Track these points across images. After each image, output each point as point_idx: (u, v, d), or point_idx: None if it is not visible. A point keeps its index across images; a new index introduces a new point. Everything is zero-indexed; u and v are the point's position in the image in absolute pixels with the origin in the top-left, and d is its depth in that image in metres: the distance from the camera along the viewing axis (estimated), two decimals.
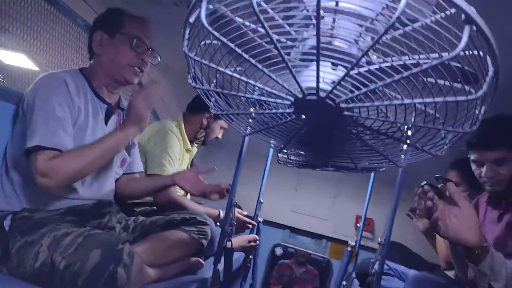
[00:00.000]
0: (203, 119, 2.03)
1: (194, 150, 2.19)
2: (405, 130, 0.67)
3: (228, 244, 1.48)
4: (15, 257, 1.03)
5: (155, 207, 1.76)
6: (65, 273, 0.93)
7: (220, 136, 2.10)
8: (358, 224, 2.31)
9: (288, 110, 0.67)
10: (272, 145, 0.94)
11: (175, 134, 1.90)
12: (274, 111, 0.68)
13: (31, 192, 1.17)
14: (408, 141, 0.65)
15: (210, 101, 0.74)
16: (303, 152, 0.95)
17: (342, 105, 0.61)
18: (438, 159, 0.77)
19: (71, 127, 1.16)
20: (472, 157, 1.41)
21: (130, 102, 1.24)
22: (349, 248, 2.20)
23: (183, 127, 2.02)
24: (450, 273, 1.85)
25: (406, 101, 0.56)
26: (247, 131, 0.89)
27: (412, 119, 0.67)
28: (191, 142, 2.06)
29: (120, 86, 1.35)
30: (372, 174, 2.23)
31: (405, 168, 1.41)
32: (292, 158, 1.65)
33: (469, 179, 1.74)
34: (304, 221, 2.75)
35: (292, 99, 0.63)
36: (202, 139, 2.06)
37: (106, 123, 1.32)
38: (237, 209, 1.82)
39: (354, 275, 2.09)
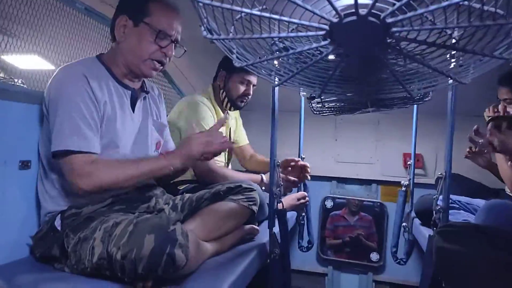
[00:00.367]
0: (219, 81, 1.94)
1: (232, 121, 2.12)
2: (468, 36, 0.55)
3: (279, 205, 1.44)
4: (73, 255, 1.03)
5: (197, 183, 1.73)
6: (123, 262, 0.91)
7: (249, 91, 1.94)
8: (408, 163, 2.19)
9: (323, 43, 0.57)
10: (308, 93, 0.84)
11: (207, 105, 1.83)
12: (306, 47, 0.59)
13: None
14: (474, 49, 0.54)
15: (232, 53, 0.66)
16: (343, 93, 0.85)
17: (389, 20, 0.50)
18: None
19: (97, 125, 1.13)
20: None
21: (190, 137, 1.20)
22: (403, 188, 2.11)
23: (214, 99, 1.95)
24: None
25: None
26: (276, 81, 0.80)
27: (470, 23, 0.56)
28: (224, 111, 1.99)
29: (137, 78, 1.29)
30: (415, 107, 2.09)
31: (456, 92, 1.27)
32: (328, 105, 1.55)
33: None
34: (350, 169, 2.66)
35: (327, 27, 0.54)
36: (227, 101, 1.94)
37: (133, 110, 1.27)
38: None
39: (413, 214, 2.01)
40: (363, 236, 2.62)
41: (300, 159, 2.02)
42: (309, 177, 2.03)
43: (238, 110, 2.17)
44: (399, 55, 0.61)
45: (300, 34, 0.55)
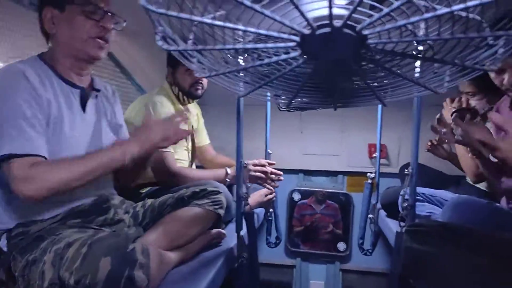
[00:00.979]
0: (168, 78, 1.87)
1: (194, 118, 2.03)
2: (447, 47, 0.51)
3: (247, 208, 1.39)
4: (21, 280, 0.93)
5: (160, 186, 1.64)
6: None
7: (200, 81, 1.84)
8: (374, 155, 2.21)
9: (293, 54, 0.51)
10: (279, 99, 0.79)
11: (164, 103, 1.74)
12: (275, 58, 0.53)
13: (20, 203, 1.04)
14: (456, 61, 0.51)
15: (191, 62, 0.58)
16: (312, 102, 0.81)
17: (365, 32, 0.45)
18: None
19: (43, 125, 1.02)
20: None
21: (147, 121, 1.13)
22: (369, 181, 2.13)
23: (171, 93, 1.85)
24: (479, 186, 1.79)
25: (456, 6, 0.40)
26: (241, 89, 0.73)
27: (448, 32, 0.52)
28: (183, 105, 1.90)
29: (87, 65, 1.18)
30: (380, 106, 2.10)
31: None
32: (294, 103, 1.50)
33: (484, 85, 1.64)
34: (316, 161, 2.66)
35: (297, 38, 0.48)
36: (182, 95, 1.86)
37: (84, 110, 1.17)
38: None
39: (378, 205, 2.03)
40: (332, 223, 2.64)
41: (272, 162, 1.96)
42: (277, 185, 1.98)
43: (199, 108, 2.09)
44: (375, 66, 0.56)
45: (269, 45, 0.49)
